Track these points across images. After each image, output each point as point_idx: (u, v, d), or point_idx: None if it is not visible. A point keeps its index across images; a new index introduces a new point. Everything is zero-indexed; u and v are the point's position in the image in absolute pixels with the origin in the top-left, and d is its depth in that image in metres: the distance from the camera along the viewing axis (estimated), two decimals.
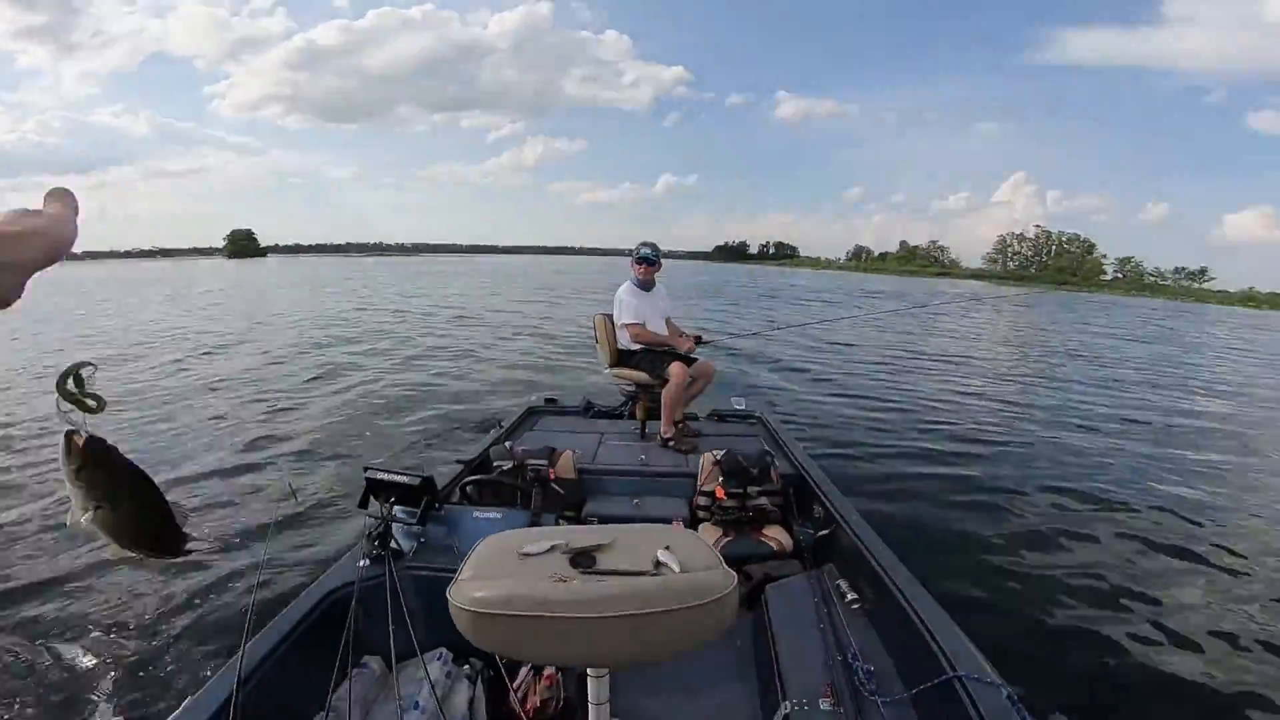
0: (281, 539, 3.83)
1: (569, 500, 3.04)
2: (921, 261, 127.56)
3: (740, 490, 2.99)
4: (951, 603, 1.93)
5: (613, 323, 4.20)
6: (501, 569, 1.12)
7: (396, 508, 2.32)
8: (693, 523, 3.00)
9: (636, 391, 4.30)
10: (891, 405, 7.86)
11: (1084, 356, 14.66)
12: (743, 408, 4.52)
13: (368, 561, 2.11)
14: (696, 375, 4.00)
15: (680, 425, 3.89)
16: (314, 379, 9.14)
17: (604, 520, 2.82)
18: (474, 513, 2.44)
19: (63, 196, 0.47)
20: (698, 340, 4.25)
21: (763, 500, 2.99)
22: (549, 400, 4.80)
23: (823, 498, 2.92)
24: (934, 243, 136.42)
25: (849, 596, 2.22)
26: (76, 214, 0.46)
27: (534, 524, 2.36)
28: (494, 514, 2.42)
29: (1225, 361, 16.26)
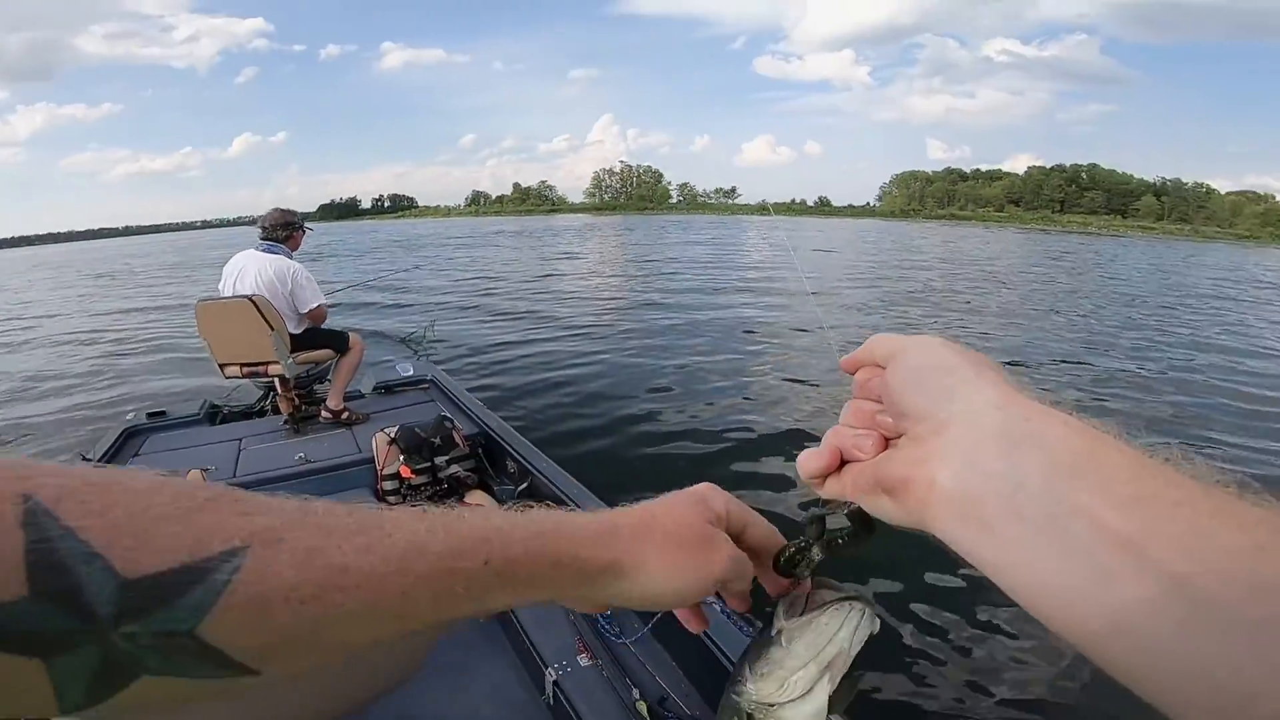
0: None
1: None
2: (535, 201, 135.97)
3: (427, 464, 2.79)
4: None
5: (275, 307, 3.38)
6: None
7: None
8: None
9: (271, 382, 3.59)
10: (544, 336, 8.23)
11: (677, 266, 17.87)
12: (410, 374, 4.17)
13: None
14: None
15: (345, 414, 3.48)
16: None
17: None
18: None
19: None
20: None
21: (454, 469, 2.83)
22: (154, 414, 3.75)
23: (514, 452, 2.85)
24: (544, 183, 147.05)
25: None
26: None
27: None
28: None
29: (755, 253, 21.81)
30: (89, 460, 3.03)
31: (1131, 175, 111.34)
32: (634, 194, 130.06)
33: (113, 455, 3.21)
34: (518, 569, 0.34)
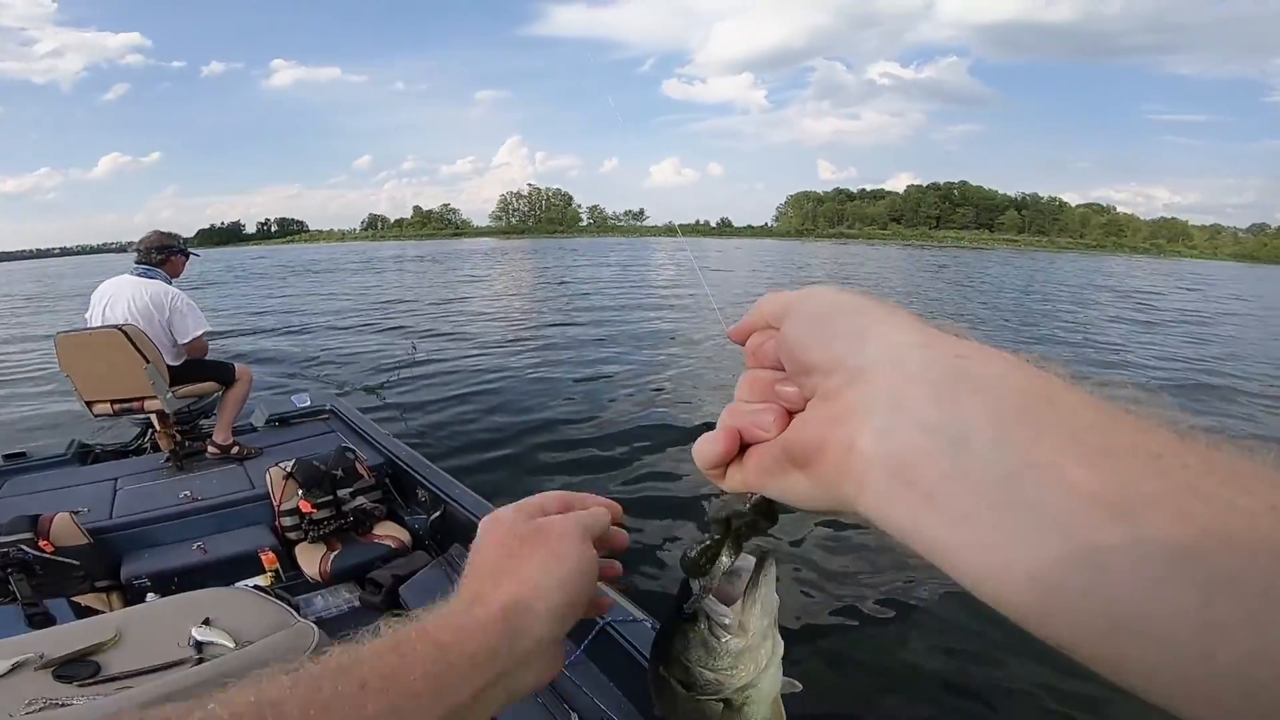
0: None
1: (90, 571, 2.41)
2: (437, 225, 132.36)
3: (330, 497, 2.68)
4: None
5: (149, 337, 3.10)
6: None
7: None
8: (287, 546, 2.63)
9: (149, 419, 3.32)
10: (451, 363, 8.02)
11: (587, 288, 18.00)
12: (307, 405, 3.95)
13: None
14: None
15: (235, 448, 3.26)
16: None
17: (159, 580, 2.39)
18: None
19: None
20: None
21: (360, 500, 2.74)
22: (13, 455, 3.45)
23: (424, 480, 2.78)
24: (447, 206, 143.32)
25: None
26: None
27: (34, 618, 1.93)
28: None
29: (664, 271, 22.39)
30: None
31: (996, 191, 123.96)
32: (543, 217, 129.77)
33: None
34: (403, 678, 0.31)
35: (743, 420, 0.29)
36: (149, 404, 3.15)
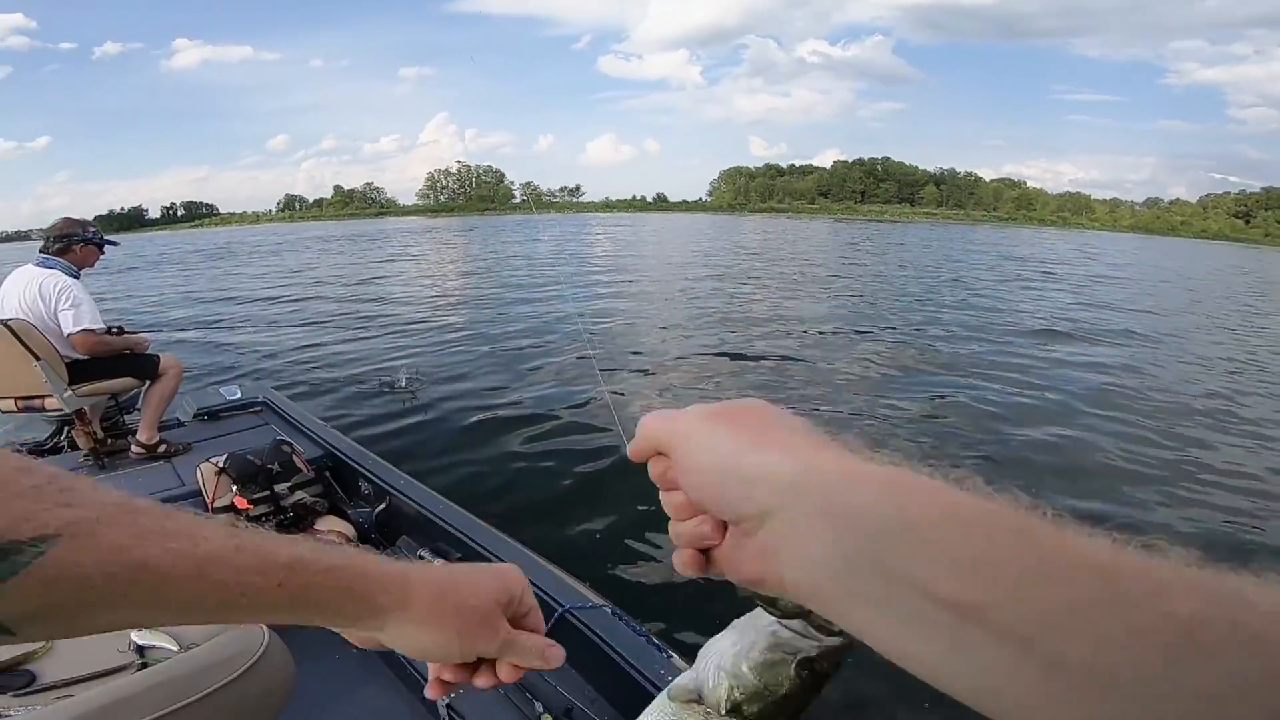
0: None
1: None
2: (359, 204, 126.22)
3: (266, 493, 2.61)
4: (528, 538, 2.03)
5: (41, 332, 2.96)
6: None
7: None
8: None
9: (69, 415, 3.20)
10: (386, 353, 7.72)
11: (519, 267, 17.79)
12: (238, 397, 3.78)
13: None
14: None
15: (161, 446, 3.14)
16: None
17: None
18: None
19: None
20: (119, 330, 3.29)
21: (300, 495, 2.65)
22: None
23: (366, 472, 2.71)
24: (370, 184, 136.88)
25: (436, 563, 2.11)
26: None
27: None
28: None
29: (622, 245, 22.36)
30: None
31: (917, 167, 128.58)
32: (473, 195, 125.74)
33: None
34: (308, 594, 0.37)
35: (690, 539, 0.33)
36: (49, 402, 3.02)
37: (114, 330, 3.27)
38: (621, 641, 1.47)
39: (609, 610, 1.59)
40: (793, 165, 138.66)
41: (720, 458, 0.30)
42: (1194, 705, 0.19)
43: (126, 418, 3.50)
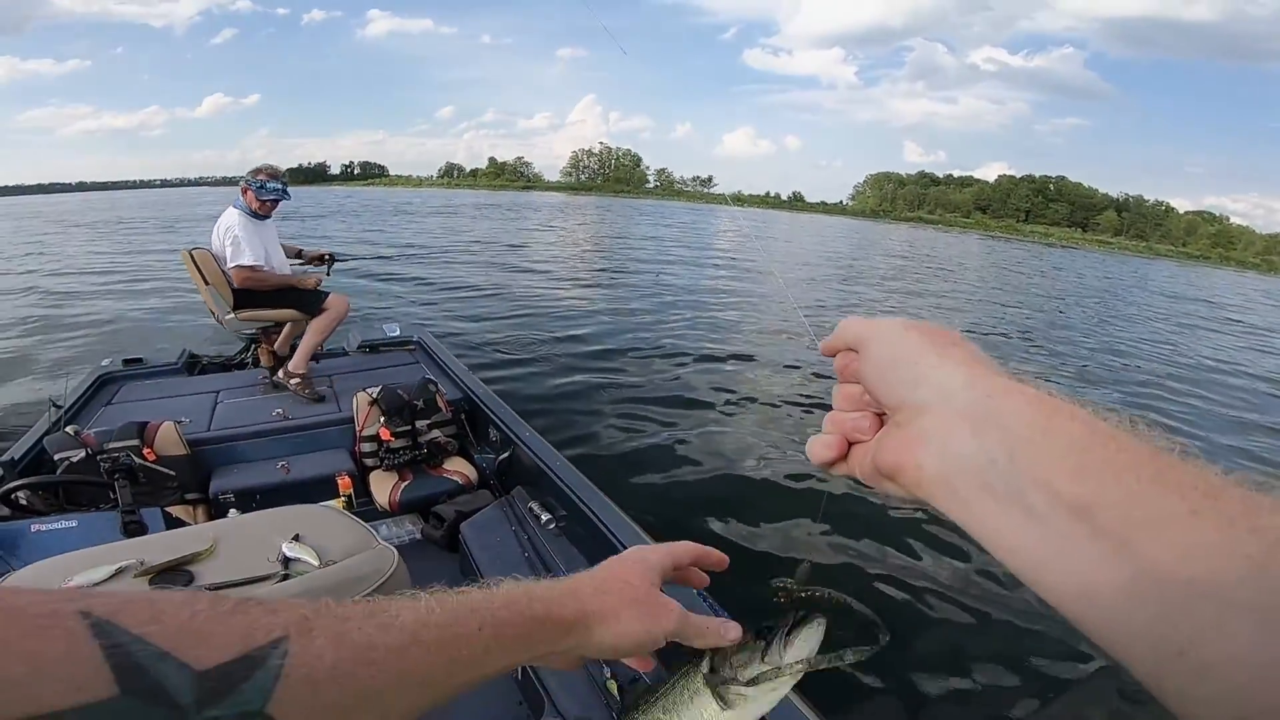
0: None
1: (184, 482, 2.47)
2: (509, 177, 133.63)
3: (408, 427, 2.72)
4: (633, 507, 2.05)
5: (215, 258, 3.32)
6: None
7: None
8: (362, 473, 2.70)
9: (257, 334, 3.58)
10: (530, 312, 8.17)
11: (650, 248, 18.08)
12: (397, 334, 4.03)
13: None
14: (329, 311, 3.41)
15: (298, 382, 3.26)
16: None
17: (242, 496, 2.44)
18: (32, 526, 1.74)
19: None
20: (330, 259, 3.64)
21: (435, 433, 2.76)
22: (131, 361, 3.62)
23: (497, 420, 2.78)
24: (520, 159, 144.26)
25: (544, 518, 2.20)
26: None
27: (129, 526, 1.88)
28: (67, 523, 1.78)
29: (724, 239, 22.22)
30: (59, 407, 2.87)
31: (1096, 189, 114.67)
32: (611, 176, 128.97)
33: (85, 402, 3.08)
34: (506, 630, 0.39)
35: (845, 426, 0.37)
36: (228, 320, 3.39)
37: (315, 256, 3.64)
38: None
39: (696, 592, 1.55)
40: (950, 175, 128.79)
41: (904, 352, 0.34)
42: (1266, 612, 0.20)
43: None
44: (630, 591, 0.46)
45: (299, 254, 3.68)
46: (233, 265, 3.25)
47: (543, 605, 0.42)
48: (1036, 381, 0.30)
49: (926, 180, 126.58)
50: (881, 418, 0.36)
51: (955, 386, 0.31)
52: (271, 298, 3.39)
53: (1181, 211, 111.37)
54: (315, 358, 3.40)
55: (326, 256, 3.66)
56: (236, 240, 3.22)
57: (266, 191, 3.29)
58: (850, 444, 0.37)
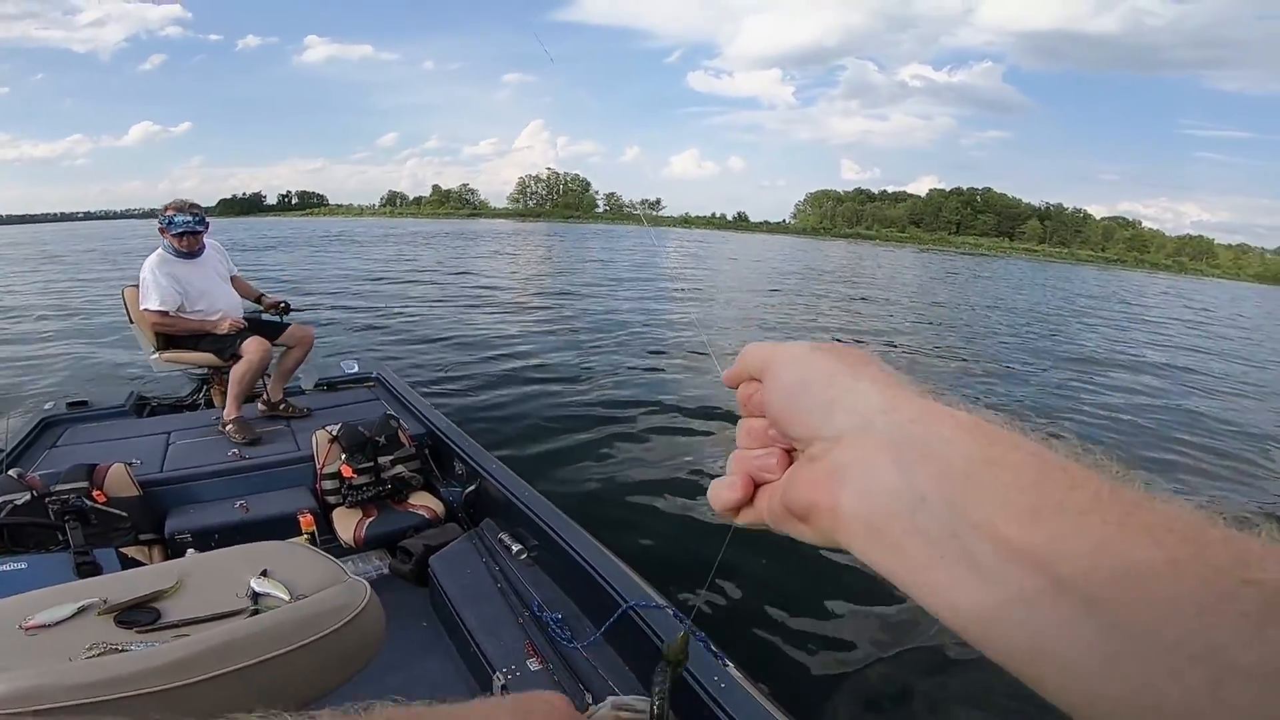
0: None
1: (137, 523, 2.43)
2: (455, 204, 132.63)
3: (371, 464, 2.71)
4: (602, 534, 2.05)
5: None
6: (2, 656, 0.79)
7: None
8: (324, 510, 2.67)
9: (209, 374, 3.57)
10: (479, 340, 8.17)
11: (593, 271, 18.33)
12: (355, 371, 4.08)
13: None
14: (292, 343, 3.45)
15: (283, 406, 3.38)
16: None
17: (200, 536, 2.39)
18: None
19: None
20: (283, 308, 3.61)
21: (399, 469, 2.76)
22: (75, 404, 3.58)
23: (462, 453, 2.79)
24: (465, 186, 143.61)
25: (515, 549, 2.20)
26: None
27: (82, 566, 1.86)
28: (15, 564, 1.74)
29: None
30: (0, 450, 2.83)
31: (1020, 200, 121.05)
32: (559, 201, 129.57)
33: (28, 445, 3.01)
34: None
35: (750, 466, 0.33)
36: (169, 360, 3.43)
37: (271, 303, 3.62)
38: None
39: (671, 612, 1.58)
40: (884, 191, 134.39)
41: (813, 375, 0.30)
42: (1268, 678, 0.17)
43: (262, 381, 3.83)
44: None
45: (259, 299, 3.66)
46: (141, 308, 3.29)
47: None
48: (968, 404, 0.27)
49: (863, 196, 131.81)
50: (791, 454, 0.32)
51: (873, 411, 0.28)
52: (191, 340, 3.37)
53: (1098, 218, 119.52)
54: (273, 402, 3.39)
55: (281, 304, 3.65)
56: (144, 282, 3.24)
57: (175, 225, 3.24)
58: (757, 485, 0.33)
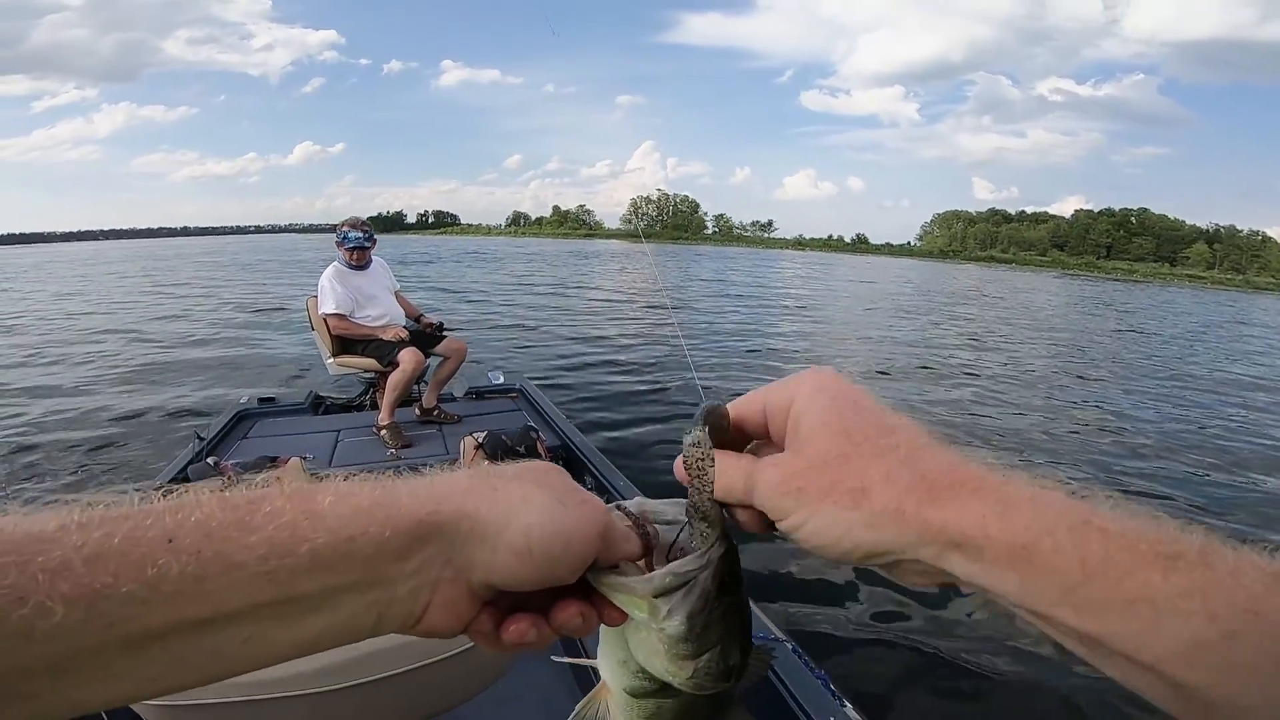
0: None
1: None
2: (572, 224, 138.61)
3: None
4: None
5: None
6: None
7: None
8: None
9: (375, 378, 3.90)
10: (617, 356, 8.45)
11: (742, 295, 18.35)
12: (500, 382, 4.32)
13: None
14: (447, 354, 3.76)
15: (437, 412, 3.67)
16: None
17: None
18: None
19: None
20: (438, 328, 3.97)
21: None
22: (265, 400, 4.02)
23: (593, 468, 2.85)
24: (582, 207, 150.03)
25: None
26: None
27: None
28: None
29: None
30: (202, 439, 3.13)
31: (1183, 221, 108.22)
32: (669, 223, 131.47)
33: (224, 435, 3.42)
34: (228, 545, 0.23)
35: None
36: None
37: (428, 323, 3.98)
38: (795, 679, 1.41)
39: (789, 646, 1.53)
40: (1023, 212, 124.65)
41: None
42: None
43: (418, 387, 4.14)
44: (544, 479, 0.32)
45: (418, 318, 4.03)
46: (320, 313, 3.70)
47: (338, 505, 0.26)
48: (989, 469, 0.26)
49: (998, 217, 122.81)
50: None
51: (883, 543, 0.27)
52: (358, 346, 3.75)
53: None
54: (427, 408, 3.67)
55: (438, 324, 4.02)
56: (321, 289, 3.70)
57: (349, 240, 3.68)
58: None
